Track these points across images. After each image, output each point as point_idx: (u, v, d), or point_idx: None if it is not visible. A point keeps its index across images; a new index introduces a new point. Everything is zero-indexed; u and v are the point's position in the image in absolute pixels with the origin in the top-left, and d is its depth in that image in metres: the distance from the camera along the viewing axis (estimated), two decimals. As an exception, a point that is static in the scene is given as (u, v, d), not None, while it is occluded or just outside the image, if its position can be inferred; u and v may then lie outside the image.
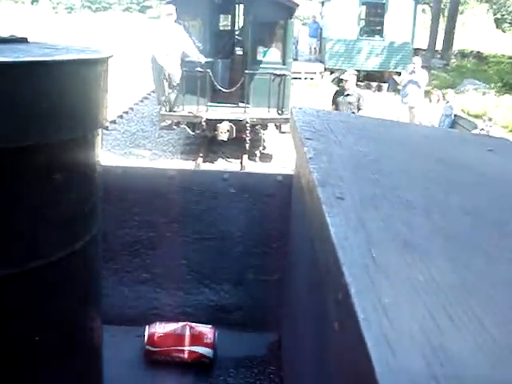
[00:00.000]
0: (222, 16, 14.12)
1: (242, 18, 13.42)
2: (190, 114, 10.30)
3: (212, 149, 11.28)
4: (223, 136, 10.23)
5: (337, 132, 1.49)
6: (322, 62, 24.26)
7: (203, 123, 10.24)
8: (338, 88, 10.11)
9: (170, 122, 10.52)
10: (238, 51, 12.85)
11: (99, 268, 1.30)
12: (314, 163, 1.12)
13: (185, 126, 10.75)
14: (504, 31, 62.18)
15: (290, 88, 10.78)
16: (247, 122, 10.24)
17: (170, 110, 10.36)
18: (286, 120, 10.31)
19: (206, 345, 1.85)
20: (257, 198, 1.95)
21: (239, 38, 14.03)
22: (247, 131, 10.26)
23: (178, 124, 10.68)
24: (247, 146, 10.44)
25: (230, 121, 10.30)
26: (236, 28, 15.18)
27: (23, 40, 1.17)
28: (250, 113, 10.47)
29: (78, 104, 1.03)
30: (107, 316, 1.37)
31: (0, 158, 0.94)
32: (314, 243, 1.00)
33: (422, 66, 24.85)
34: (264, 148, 11.53)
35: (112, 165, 1.98)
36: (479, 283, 0.72)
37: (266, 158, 11.13)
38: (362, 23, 23.69)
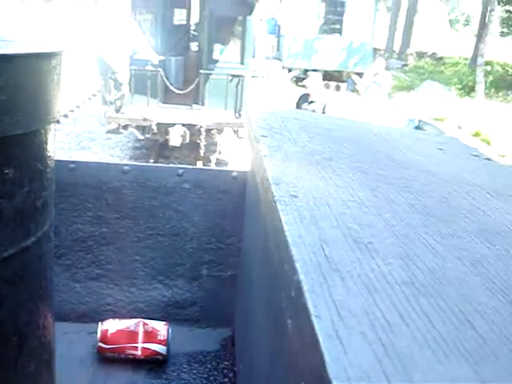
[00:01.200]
0: (176, 10, 13.28)
1: (198, 12, 12.51)
2: (140, 117, 9.38)
3: (163, 153, 10.38)
4: (176, 141, 9.35)
5: (291, 129, 1.53)
6: (279, 60, 23.63)
7: (154, 127, 9.32)
8: (301, 94, 9.20)
9: (117, 124, 9.59)
10: (194, 47, 12.04)
11: (51, 264, 1.26)
12: (269, 161, 1.15)
13: (133, 130, 9.84)
14: (457, 31, 63.09)
15: (247, 90, 9.97)
16: (202, 127, 9.40)
17: (117, 112, 9.45)
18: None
19: (160, 342, 1.84)
20: (211, 194, 1.95)
21: (194, 33, 13.21)
22: (202, 136, 9.42)
23: (125, 127, 9.75)
24: (202, 151, 9.59)
25: (183, 125, 9.41)
26: (191, 23, 14.33)
27: None
28: (204, 116, 9.62)
29: (31, 98, 1.00)
30: (59, 312, 1.34)
31: None
32: (269, 240, 1.03)
33: (381, 67, 24.72)
34: (220, 153, 10.72)
35: (64, 159, 1.95)
36: (428, 280, 0.73)
37: (221, 163, 10.32)
38: (321, 21, 23.15)
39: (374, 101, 12.86)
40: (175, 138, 9.28)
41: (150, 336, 1.84)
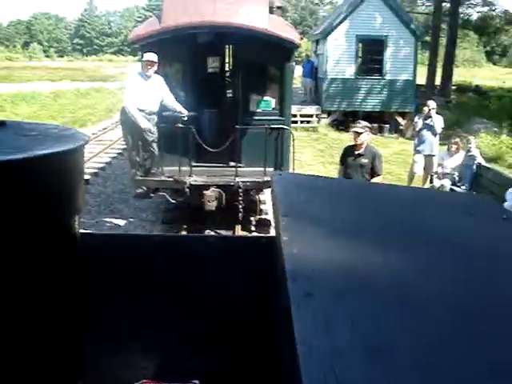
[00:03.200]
0: (208, 59, 12.54)
1: (232, 59, 11.71)
2: (170, 179, 8.45)
3: (199, 216, 9.38)
4: (211, 205, 8.32)
5: (315, 204, 1.54)
6: (318, 103, 22.86)
7: (186, 190, 8.37)
8: (346, 146, 8.12)
9: (146, 188, 8.68)
10: (228, 96, 11.21)
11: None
12: (287, 249, 1.12)
13: (164, 194, 8.92)
14: (495, 63, 62.34)
15: (289, 144, 8.98)
16: (240, 187, 8.41)
17: (146, 174, 8.55)
18: (287, 182, 8.53)
19: None
20: (241, 262, 1.90)
21: (229, 80, 12.42)
22: (239, 198, 8.42)
23: (155, 191, 8.84)
24: (240, 215, 8.57)
25: (218, 186, 8.44)
26: (226, 69, 13.57)
27: (1, 124, 1.20)
28: (242, 175, 8.62)
29: (54, 194, 1.05)
30: None
31: None
32: (283, 340, 1.01)
33: (422, 104, 23.76)
34: (260, 212, 9.70)
35: (93, 233, 1.98)
36: None
37: (263, 225, 9.30)
38: (360, 61, 22.37)
39: (427, 147, 11.81)
40: (210, 202, 8.29)
41: None
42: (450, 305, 0.93)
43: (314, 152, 17.03)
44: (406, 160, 17.11)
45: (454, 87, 32.08)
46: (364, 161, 7.43)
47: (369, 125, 8.00)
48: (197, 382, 1.91)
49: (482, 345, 0.82)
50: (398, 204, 1.75)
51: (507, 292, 1.00)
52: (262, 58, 8.99)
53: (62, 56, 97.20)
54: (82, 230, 1.26)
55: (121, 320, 1.95)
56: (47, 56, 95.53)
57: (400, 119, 22.37)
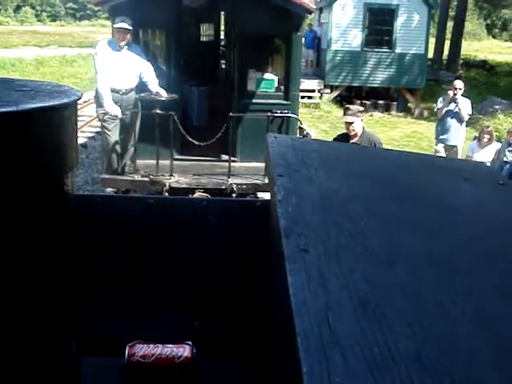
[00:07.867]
0: (198, 26, 10.75)
1: (227, 27, 9.91)
2: (145, 179, 6.73)
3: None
4: (196, 213, 6.64)
5: (310, 165, 1.52)
6: (320, 77, 21.11)
7: (166, 193, 6.59)
8: (340, 133, 6.52)
9: (115, 189, 6.95)
10: (222, 74, 9.47)
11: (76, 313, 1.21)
12: (282, 208, 1.12)
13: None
14: (495, 37, 60.94)
15: (294, 133, 7.25)
16: (233, 191, 6.70)
17: (119, 171, 6.81)
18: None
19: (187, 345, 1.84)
20: (235, 225, 1.87)
21: (223, 53, 10.67)
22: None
23: (127, 193, 7.11)
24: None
25: (206, 190, 6.64)
26: (221, 39, 11.80)
27: None
28: (237, 173, 6.85)
29: (46, 150, 1.00)
30: (87, 347, 1.33)
31: None
32: (277, 297, 0.99)
33: (430, 80, 21.91)
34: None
35: (91, 194, 2.02)
36: (435, 353, 0.68)
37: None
38: (367, 32, 20.56)
39: (451, 136, 10.12)
40: (196, 209, 6.55)
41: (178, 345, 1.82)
42: (440, 263, 0.94)
43: (318, 133, 15.31)
44: (419, 144, 15.49)
45: (460, 61, 30.35)
46: None
47: (361, 108, 6.36)
48: (189, 343, 1.86)
49: (469, 299, 0.83)
50: (393, 166, 1.74)
51: (491, 249, 1.02)
52: (266, 27, 7.10)
53: (54, 20, 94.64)
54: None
55: (114, 282, 1.90)
56: (39, 20, 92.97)
57: (409, 96, 20.67)
